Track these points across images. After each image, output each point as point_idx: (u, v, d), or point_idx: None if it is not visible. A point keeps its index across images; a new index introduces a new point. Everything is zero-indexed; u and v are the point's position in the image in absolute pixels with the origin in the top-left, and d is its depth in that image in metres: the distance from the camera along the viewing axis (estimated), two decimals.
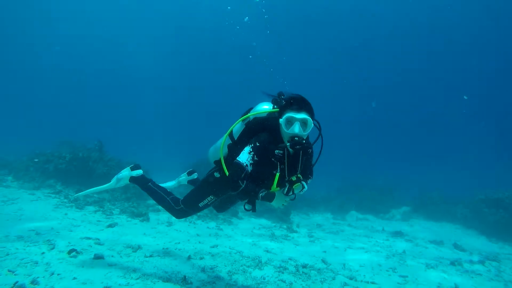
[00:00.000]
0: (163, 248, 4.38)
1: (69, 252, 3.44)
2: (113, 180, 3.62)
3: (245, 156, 2.54)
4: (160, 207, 3.51)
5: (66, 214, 5.30)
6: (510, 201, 9.10)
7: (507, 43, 26.05)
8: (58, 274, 2.87)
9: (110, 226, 5.08)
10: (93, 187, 3.69)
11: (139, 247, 4.17)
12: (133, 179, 3.58)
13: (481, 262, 5.93)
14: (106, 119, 31.89)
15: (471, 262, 5.90)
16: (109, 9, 30.93)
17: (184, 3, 30.62)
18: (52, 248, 3.49)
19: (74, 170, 8.06)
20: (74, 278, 2.85)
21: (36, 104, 33.44)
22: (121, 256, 3.74)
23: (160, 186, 3.52)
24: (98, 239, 4.16)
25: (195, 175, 3.96)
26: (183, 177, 3.95)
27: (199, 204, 3.11)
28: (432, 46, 28.87)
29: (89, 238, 4.14)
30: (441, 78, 31.09)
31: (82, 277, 2.91)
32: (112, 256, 3.67)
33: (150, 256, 3.95)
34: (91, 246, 3.87)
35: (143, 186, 3.51)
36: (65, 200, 6.33)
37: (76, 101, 35.01)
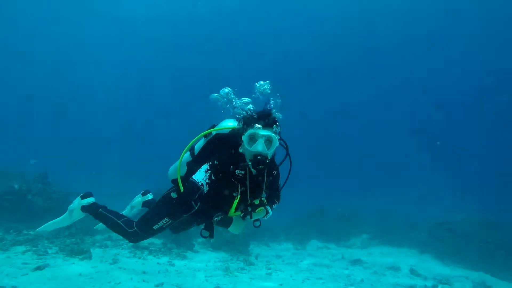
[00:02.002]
0: None
1: None
2: (67, 212, 3.35)
3: (201, 175, 2.35)
4: (114, 235, 3.14)
5: None
6: (460, 226, 9.53)
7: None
8: None
9: (38, 268, 4.46)
10: (45, 223, 3.34)
11: None
12: (84, 209, 3.28)
13: (435, 286, 6.00)
14: (54, 140, 25.87)
15: (425, 287, 5.94)
16: (56, 16, 28.35)
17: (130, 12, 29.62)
18: None
19: (8, 205, 7.21)
20: None
21: None
22: None
23: (111, 211, 3.21)
24: (15, 287, 3.58)
25: (149, 196, 3.62)
26: (137, 200, 3.60)
27: (154, 227, 2.78)
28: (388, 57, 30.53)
29: (1, 287, 3.55)
30: (398, 99, 32.60)
31: None
32: None
33: None
34: None
35: (95, 214, 3.21)
36: None
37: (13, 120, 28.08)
